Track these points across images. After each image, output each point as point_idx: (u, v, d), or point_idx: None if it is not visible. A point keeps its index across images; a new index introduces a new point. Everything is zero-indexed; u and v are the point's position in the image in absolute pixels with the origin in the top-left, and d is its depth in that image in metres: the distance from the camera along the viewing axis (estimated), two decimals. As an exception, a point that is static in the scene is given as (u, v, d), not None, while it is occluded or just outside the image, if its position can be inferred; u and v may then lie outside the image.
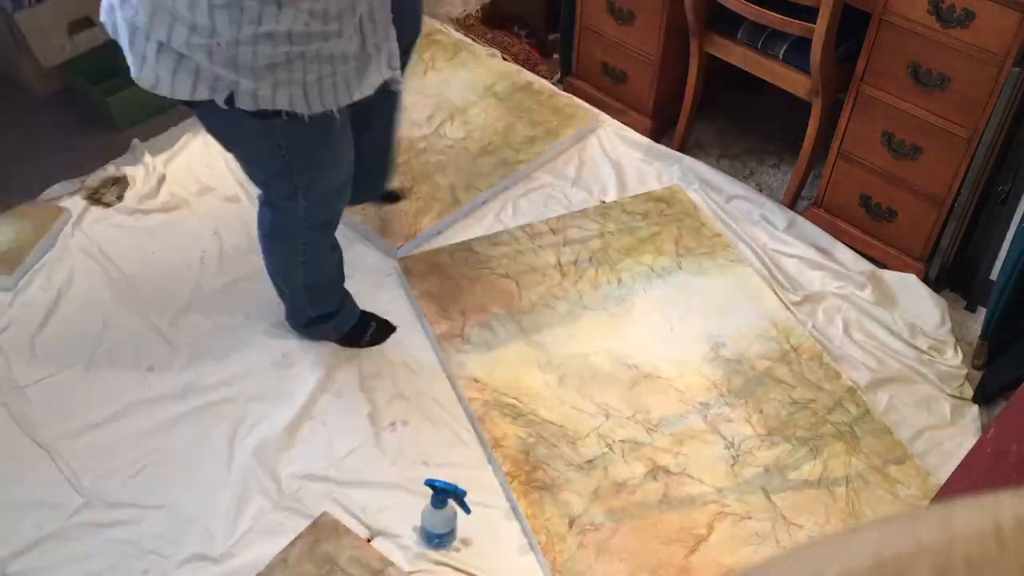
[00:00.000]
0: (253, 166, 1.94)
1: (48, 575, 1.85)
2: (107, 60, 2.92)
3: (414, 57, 2.30)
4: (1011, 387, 2.14)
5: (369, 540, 1.92)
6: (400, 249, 2.49)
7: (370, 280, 2.44)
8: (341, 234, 2.56)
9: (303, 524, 1.92)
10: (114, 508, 1.95)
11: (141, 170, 2.70)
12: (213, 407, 2.14)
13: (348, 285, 2.45)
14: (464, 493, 1.87)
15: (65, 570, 1.85)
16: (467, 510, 1.89)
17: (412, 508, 1.97)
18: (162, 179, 2.69)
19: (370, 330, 2.31)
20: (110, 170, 2.66)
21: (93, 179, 2.63)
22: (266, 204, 2.02)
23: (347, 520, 1.94)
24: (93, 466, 2.02)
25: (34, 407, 2.12)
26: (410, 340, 2.31)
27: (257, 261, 2.46)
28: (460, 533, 1.93)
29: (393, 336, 2.32)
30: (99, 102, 2.83)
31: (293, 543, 1.88)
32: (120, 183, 2.63)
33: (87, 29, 2.90)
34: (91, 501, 1.96)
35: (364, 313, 2.32)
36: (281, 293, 2.23)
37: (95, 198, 2.59)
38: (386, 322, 2.35)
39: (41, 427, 2.08)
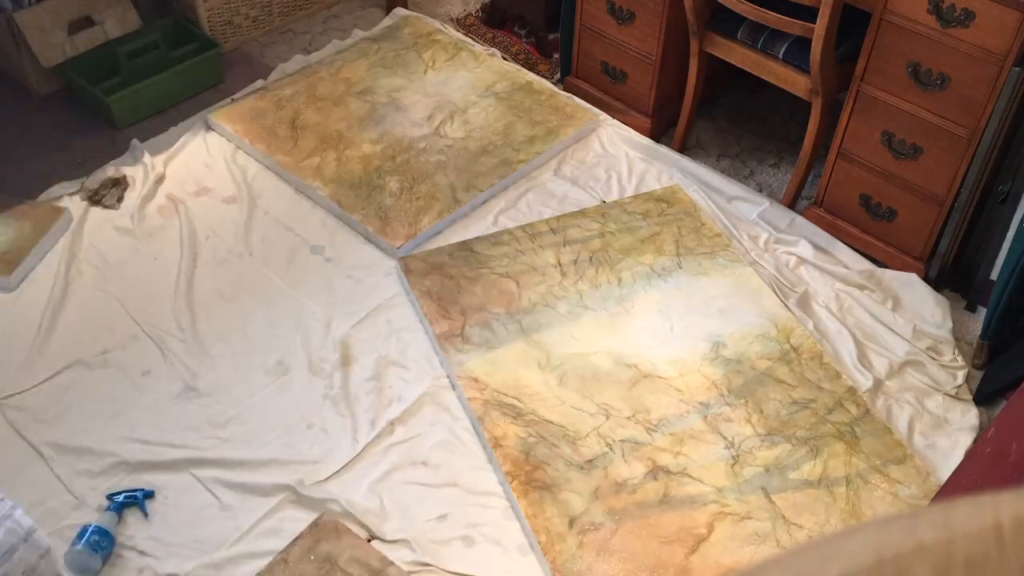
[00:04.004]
0: None
1: None
2: (107, 60, 2.92)
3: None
4: (1011, 387, 2.14)
5: (369, 540, 1.92)
6: (400, 248, 2.49)
7: (370, 280, 2.44)
8: (341, 234, 2.57)
9: (303, 524, 1.92)
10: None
11: (140, 170, 2.69)
12: (208, 411, 2.14)
13: (350, 285, 2.45)
14: (150, 494, 1.96)
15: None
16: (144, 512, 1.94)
17: (412, 508, 1.98)
18: (161, 179, 2.68)
19: None
20: (109, 171, 2.66)
21: (93, 180, 2.63)
22: None
23: (347, 520, 1.94)
24: (88, 470, 2.02)
25: (31, 410, 2.12)
26: (410, 340, 2.30)
27: (253, 263, 2.47)
28: (461, 532, 1.94)
29: (393, 336, 2.31)
30: (99, 102, 2.83)
31: (293, 543, 1.88)
32: (120, 184, 2.63)
33: (87, 29, 2.90)
34: (85, 505, 1.96)
35: None
36: None
37: (95, 200, 2.59)
38: None
39: (37, 430, 2.08)
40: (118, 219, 2.57)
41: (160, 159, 2.73)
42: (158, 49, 2.96)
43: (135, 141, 2.77)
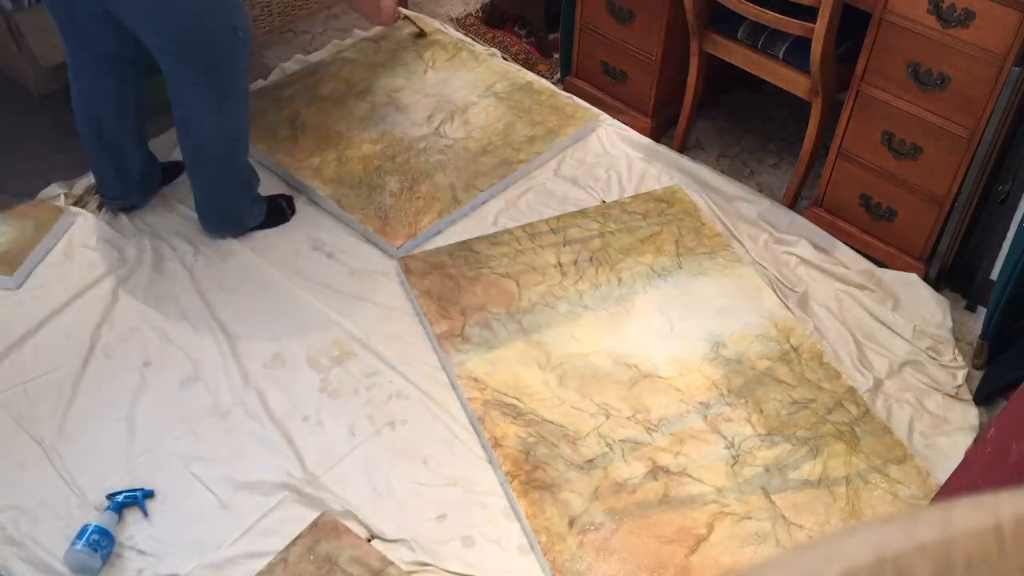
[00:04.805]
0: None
1: (48, 575, 1.85)
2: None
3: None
4: (1011, 387, 2.15)
5: (369, 540, 1.92)
6: (400, 248, 2.49)
7: (370, 279, 2.44)
8: (341, 234, 2.57)
9: (303, 524, 1.92)
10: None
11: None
12: (207, 407, 2.14)
13: (350, 284, 2.45)
14: (150, 494, 1.97)
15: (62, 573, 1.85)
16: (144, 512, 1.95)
17: (412, 508, 1.98)
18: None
19: (284, 203, 2.61)
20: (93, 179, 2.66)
21: (79, 186, 2.63)
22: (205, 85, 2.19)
23: (347, 520, 1.94)
24: (89, 464, 2.02)
25: (32, 404, 2.12)
26: (410, 340, 2.31)
27: (253, 259, 2.47)
28: (461, 532, 1.94)
29: (393, 335, 2.31)
30: (99, 102, 2.83)
31: (293, 543, 1.88)
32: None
33: (87, 29, 2.90)
34: (87, 500, 1.96)
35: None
36: (243, 193, 2.47)
37: (80, 205, 2.59)
38: (285, 196, 2.65)
39: (39, 424, 2.08)
40: (116, 217, 2.57)
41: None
42: (158, 49, 2.95)
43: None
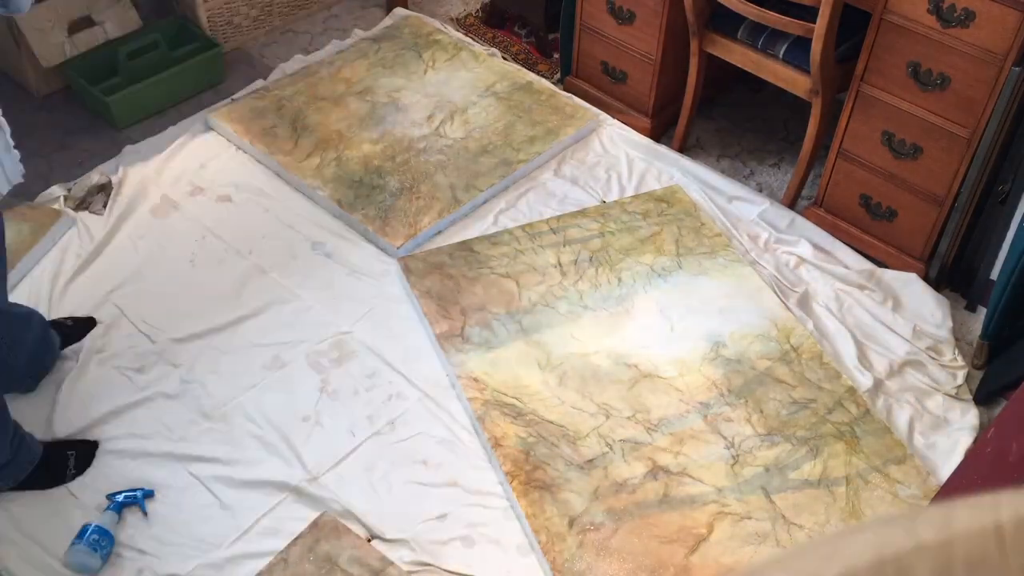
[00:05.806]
0: None
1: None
2: (107, 60, 2.92)
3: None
4: (1011, 387, 2.14)
5: (369, 540, 1.92)
6: (400, 248, 2.49)
7: (370, 279, 2.44)
8: (341, 234, 2.57)
9: (303, 524, 1.92)
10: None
11: (132, 172, 2.69)
12: (207, 408, 2.14)
13: (350, 284, 2.45)
14: (150, 494, 1.96)
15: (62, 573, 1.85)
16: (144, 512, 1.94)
17: (412, 507, 1.98)
18: (155, 179, 2.67)
19: (71, 460, 1.99)
20: (95, 177, 2.65)
21: (79, 187, 2.62)
22: None
23: (347, 520, 1.94)
24: (88, 467, 2.01)
25: (30, 407, 2.12)
26: (410, 340, 2.31)
27: (253, 260, 2.47)
28: (461, 532, 1.94)
29: (393, 335, 2.31)
30: (99, 102, 2.83)
31: (293, 543, 1.88)
32: (105, 190, 2.61)
33: (87, 29, 2.90)
34: (85, 503, 1.96)
35: (53, 444, 2.01)
36: None
37: (82, 207, 2.59)
38: (85, 442, 2.04)
39: (37, 427, 2.08)
40: (112, 220, 2.56)
41: (154, 160, 2.73)
42: (158, 49, 2.95)
43: (128, 147, 2.76)
